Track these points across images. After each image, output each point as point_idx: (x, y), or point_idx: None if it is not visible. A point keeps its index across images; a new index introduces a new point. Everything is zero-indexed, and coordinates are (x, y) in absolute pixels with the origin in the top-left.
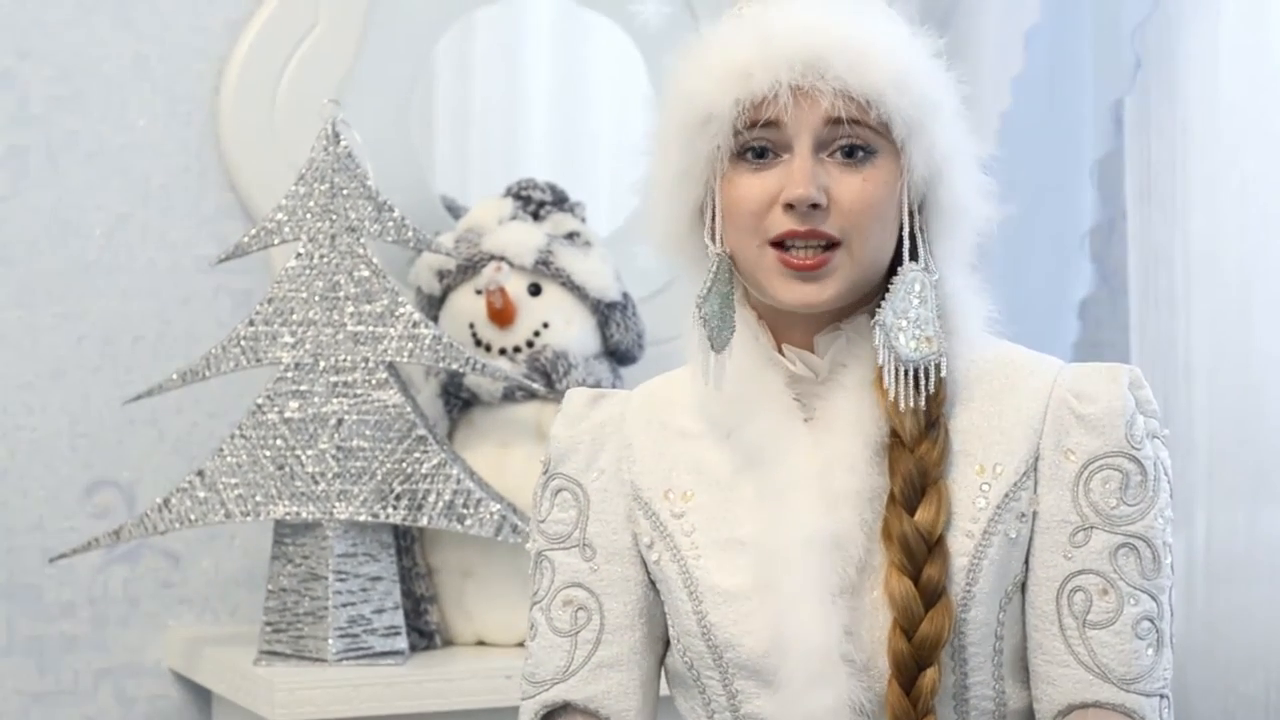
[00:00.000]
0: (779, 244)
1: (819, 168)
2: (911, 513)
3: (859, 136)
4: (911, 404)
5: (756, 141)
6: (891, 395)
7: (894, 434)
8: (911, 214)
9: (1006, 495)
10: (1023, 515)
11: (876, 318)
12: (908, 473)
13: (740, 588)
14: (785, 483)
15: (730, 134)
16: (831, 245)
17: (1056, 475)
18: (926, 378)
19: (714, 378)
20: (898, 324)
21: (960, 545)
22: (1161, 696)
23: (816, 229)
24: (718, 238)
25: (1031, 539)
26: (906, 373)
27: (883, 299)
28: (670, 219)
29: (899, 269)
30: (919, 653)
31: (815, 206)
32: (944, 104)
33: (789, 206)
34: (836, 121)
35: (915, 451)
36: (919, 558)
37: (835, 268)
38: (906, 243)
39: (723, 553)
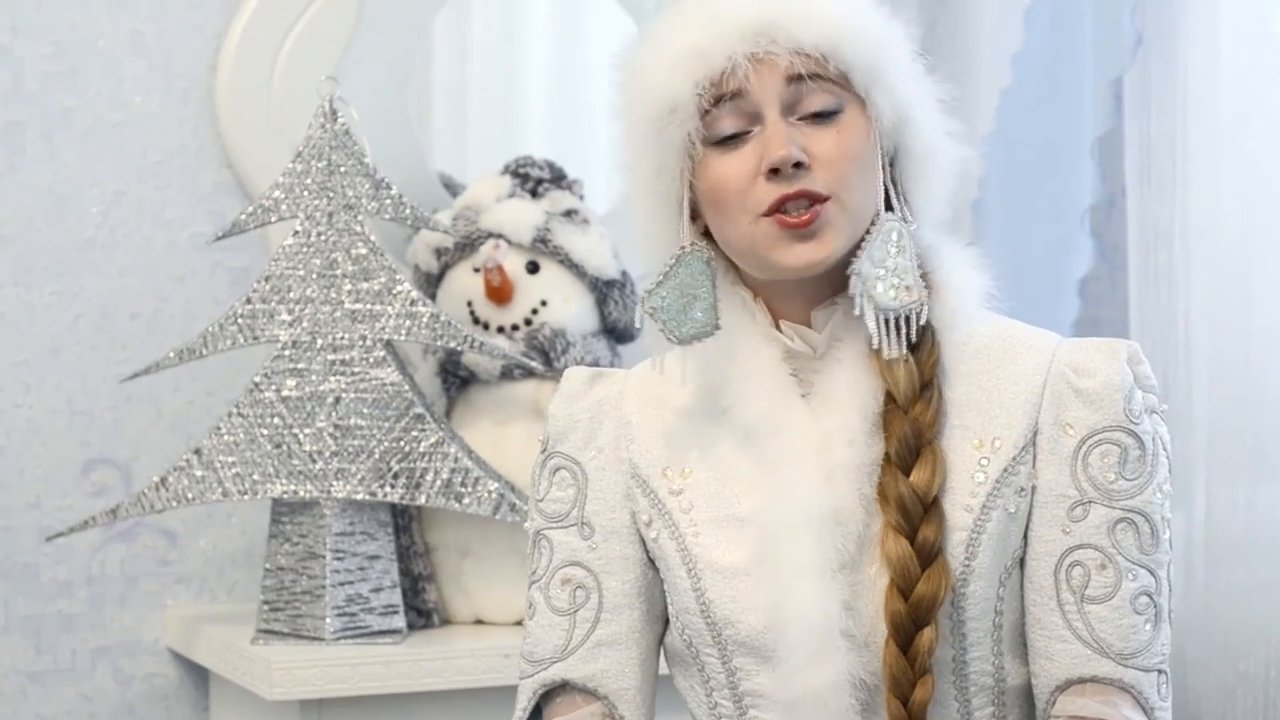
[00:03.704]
0: (771, 212)
1: (792, 130)
2: (907, 474)
3: (823, 92)
4: (896, 353)
5: (726, 122)
6: (875, 343)
7: (888, 396)
8: (885, 166)
9: (1005, 470)
10: (1021, 490)
11: (853, 266)
12: (903, 434)
13: (739, 564)
14: (783, 458)
15: (698, 118)
16: (820, 200)
17: (1055, 450)
18: (907, 326)
19: (681, 372)
20: (875, 273)
21: (959, 519)
22: (1160, 672)
23: (805, 189)
24: (685, 228)
25: (1030, 513)
26: (888, 321)
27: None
28: (655, 219)
29: (875, 220)
30: (916, 613)
31: (799, 166)
32: (897, 47)
33: (773, 173)
34: (798, 79)
35: (910, 412)
36: (915, 518)
37: (828, 221)
38: (879, 191)
39: (721, 529)
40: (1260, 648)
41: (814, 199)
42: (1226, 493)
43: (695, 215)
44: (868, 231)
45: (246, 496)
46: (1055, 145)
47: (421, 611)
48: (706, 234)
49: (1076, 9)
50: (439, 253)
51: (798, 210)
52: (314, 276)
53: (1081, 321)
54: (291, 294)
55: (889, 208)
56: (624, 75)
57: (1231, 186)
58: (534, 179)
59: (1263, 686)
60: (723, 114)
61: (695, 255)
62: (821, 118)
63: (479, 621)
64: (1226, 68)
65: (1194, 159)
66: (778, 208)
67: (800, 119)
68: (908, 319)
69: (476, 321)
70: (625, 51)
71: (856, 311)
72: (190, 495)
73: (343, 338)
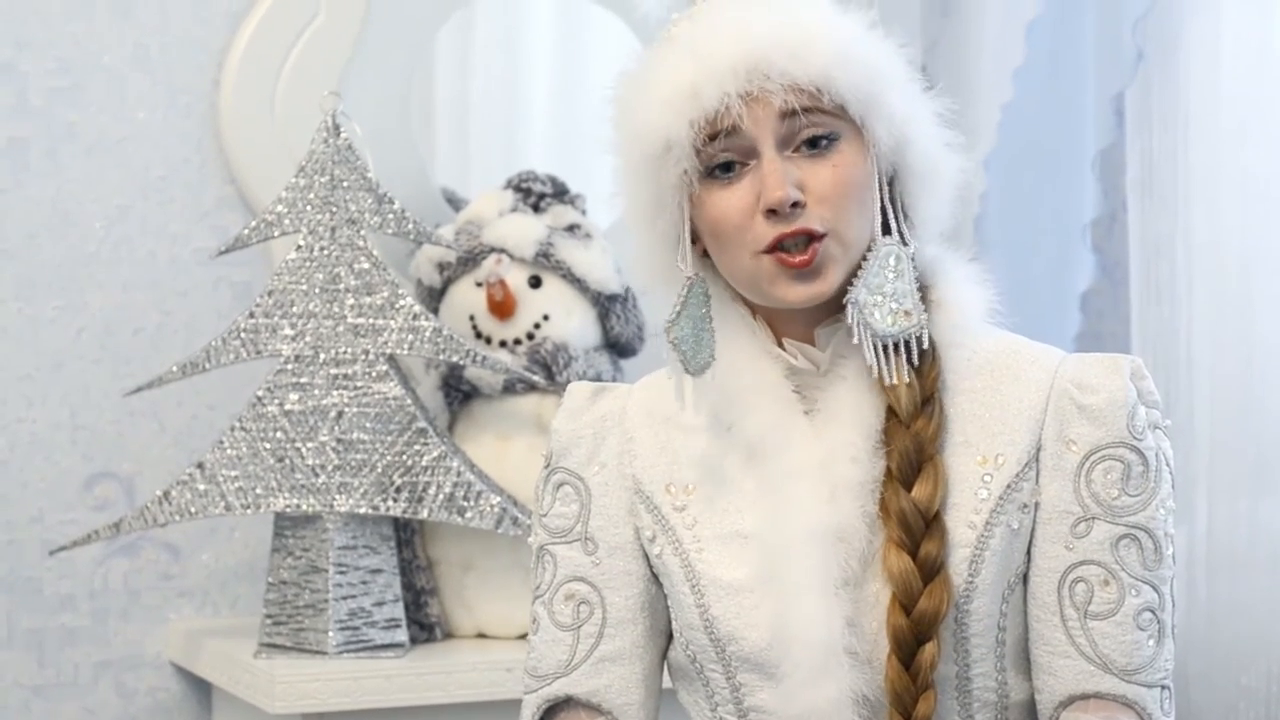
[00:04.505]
0: (771, 250)
1: (788, 165)
2: (909, 488)
3: (818, 124)
4: (894, 379)
5: (721, 156)
6: (875, 372)
7: (890, 411)
8: (884, 186)
9: (1009, 486)
10: (1025, 506)
11: (849, 295)
12: (904, 449)
13: (742, 580)
14: (786, 475)
15: (693, 155)
16: (818, 237)
17: (1058, 466)
18: (908, 350)
19: (692, 401)
20: (872, 300)
21: (963, 536)
22: (1163, 688)
23: (803, 228)
24: (688, 260)
25: (1033, 529)
26: (886, 348)
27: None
28: (654, 250)
29: (872, 244)
30: (918, 627)
31: (796, 205)
32: (892, 70)
33: (771, 212)
34: (792, 114)
35: (911, 427)
36: (917, 533)
37: (827, 258)
38: (877, 217)
39: (724, 546)
40: (1262, 661)
41: (812, 236)
42: (1228, 506)
43: (696, 238)
44: (864, 256)
45: (249, 510)
46: (1057, 160)
47: (424, 625)
48: (705, 253)
49: (1078, 24)
50: (441, 267)
51: (797, 248)
52: (316, 291)
53: (1083, 336)
54: (294, 308)
55: (887, 229)
56: (618, 111)
57: (1232, 201)
58: (536, 194)
59: (1264, 700)
60: (718, 149)
61: (700, 285)
62: (817, 147)
63: (481, 635)
64: (1227, 83)
65: (1195, 174)
66: (776, 245)
67: (795, 150)
68: (908, 343)
69: (479, 336)
70: (619, 85)
71: (854, 340)
72: (193, 509)
73: (345, 352)
